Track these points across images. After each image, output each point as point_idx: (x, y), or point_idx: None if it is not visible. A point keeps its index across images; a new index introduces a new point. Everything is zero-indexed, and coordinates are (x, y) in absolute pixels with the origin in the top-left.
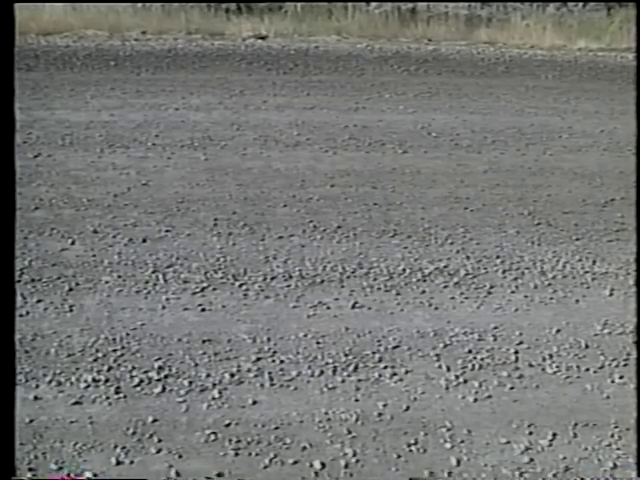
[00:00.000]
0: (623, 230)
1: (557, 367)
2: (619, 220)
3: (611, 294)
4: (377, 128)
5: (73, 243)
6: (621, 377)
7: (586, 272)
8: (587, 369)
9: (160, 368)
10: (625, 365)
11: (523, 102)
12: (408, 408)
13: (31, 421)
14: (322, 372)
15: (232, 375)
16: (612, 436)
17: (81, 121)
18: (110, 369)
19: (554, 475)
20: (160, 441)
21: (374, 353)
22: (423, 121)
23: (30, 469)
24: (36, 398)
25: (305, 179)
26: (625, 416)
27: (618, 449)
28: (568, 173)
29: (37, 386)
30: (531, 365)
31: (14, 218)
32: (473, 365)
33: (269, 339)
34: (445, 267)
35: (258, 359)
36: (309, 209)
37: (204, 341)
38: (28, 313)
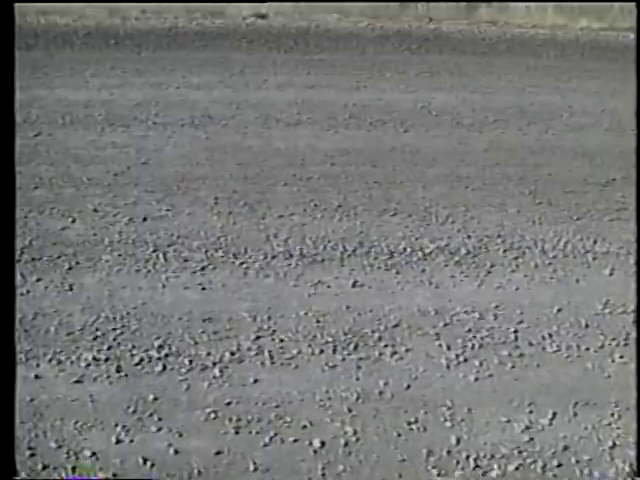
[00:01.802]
0: (624, 209)
1: (557, 346)
2: (620, 199)
3: (612, 273)
4: (378, 107)
5: (73, 222)
6: (621, 356)
7: (587, 251)
8: (587, 348)
9: (160, 347)
10: (625, 345)
11: (524, 81)
12: (409, 387)
13: (32, 400)
14: (322, 350)
15: (232, 354)
16: (612, 415)
17: (81, 100)
18: (110, 348)
19: (553, 454)
20: (160, 419)
21: (374, 332)
22: (424, 100)
23: (30, 447)
24: (37, 377)
25: (305, 158)
26: (625, 395)
27: (618, 428)
28: (569, 152)
29: (37, 365)
30: (531, 344)
31: (14, 197)
32: (473, 344)
33: (269, 317)
34: (446, 246)
35: (258, 337)
36: (309, 188)
37: (204, 320)
38: (28, 292)
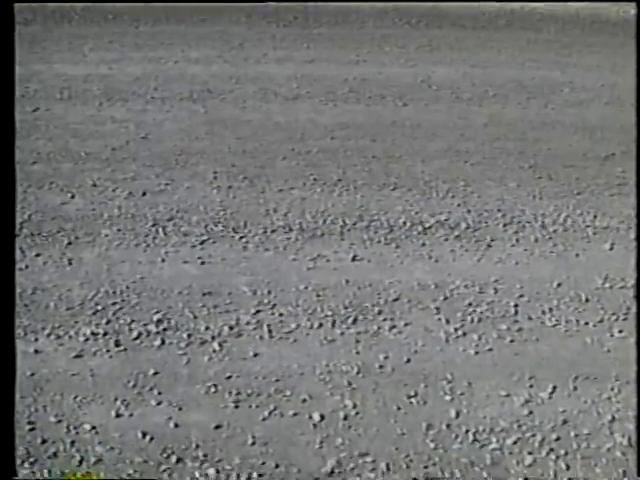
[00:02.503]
0: (624, 184)
1: (557, 320)
2: (620, 174)
3: (612, 248)
4: (377, 81)
5: (72, 197)
6: (621, 331)
7: (587, 226)
8: (587, 323)
9: (160, 321)
10: (625, 319)
11: (524, 55)
12: (408, 360)
13: (31, 374)
14: (322, 324)
15: (232, 328)
16: (612, 389)
17: (79, 74)
18: (109, 322)
19: (552, 427)
20: (160, 393)
21: (374, 305)
22: (423, 74)
23: (30, 422)
24: (36, 351)
25: (305, 132)
26: (625, 370)
27: (618, 402)
28: (569, 127)
29: (37, 339)
30: (531, 318)
31: (14, 173)
32: (473, 318)
33: (269, 291)
34: (446, 220)
35: (258, 311)
36: (309, 162)
37: (204, 294)
38: (27, 267)
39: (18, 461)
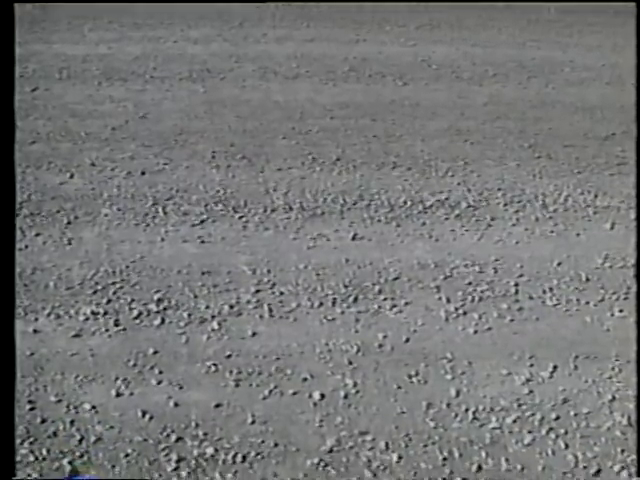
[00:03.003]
0: (624, 164)
1: (557, 300)
2: (620, 154)
3: (612, 227)
4: (377, 60)
5: (71, 176)
6: (621, 310)
7: (587, 205)
8: (587, 302)
9: (159, 300)
10: (625, 298)
11: (525, 35)
12: (408, 339)
13: (31, 354)
14: (322, 303)
15: (231, 307)
16: (612, 369)
17: (78, 54)
18: (109, 301)
19: (552, 406)
20: (160, 372)
21: (374, 284)
22: (424, 53)
23: (30, 401)
24: (36, 331)
25: (304, 111)
26: (625, 349)
27: (618, 382)
28: (569, 106)
29: (36, 319)
30: (531, 297)
31: (13, 152)
32: (473, 297)
33: (269, 271)
34: (446, 199)
35: (257, 291)
36: (308, 141)
37: (203, 273)
38: (27, 247)
39: (18, 440)
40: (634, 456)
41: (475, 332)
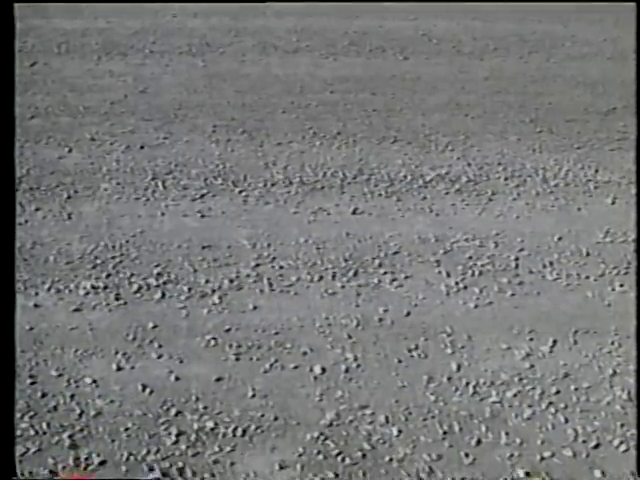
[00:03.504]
0: (625, 139)
1: (558, 274)
2: (621, 129)
3: (613, 202)
4: (378, 34)
5: (70, 151)
6: (622, 285)
7: (588, 180)
8: (588, 276)
9: (159, 274)
10: (626, 273)
11: (526, 8)
12: (409, 313)
13: (31, 328)
14: (322, 277)
15: (232, 281)
16: (612, 343)
17: (77, 28)
18: (109, 276)
19: (553, 381)
20: (161, 346)
21: (374, 259)
22: (424, 27)
23: (30, 376)
24: (36, 306)
25: (304, 85)
26: (625, 324)
27: (618, 356)
28: (570, 81)
29: (36, 294)
30: (532, 272)
31: (13, 127)
32: (474, 271)
33: (269, 245)
34: (446, 174)
35: (258, 265)
36: (308, 115)
37: (203, 247)
38: (27, 221)
39: (18, 415)
40: (634, 430)
41: (475, 306)
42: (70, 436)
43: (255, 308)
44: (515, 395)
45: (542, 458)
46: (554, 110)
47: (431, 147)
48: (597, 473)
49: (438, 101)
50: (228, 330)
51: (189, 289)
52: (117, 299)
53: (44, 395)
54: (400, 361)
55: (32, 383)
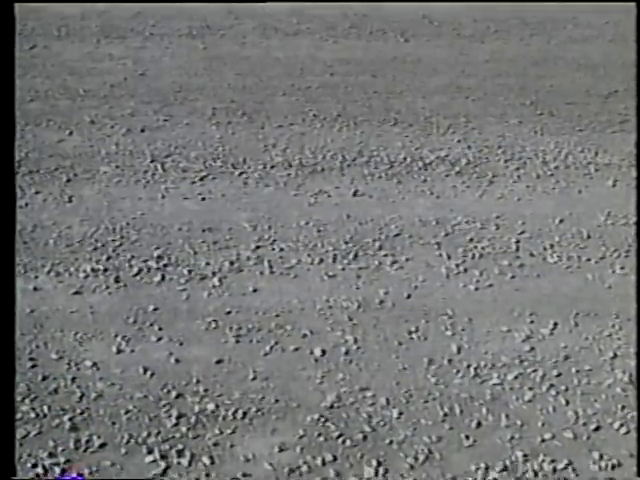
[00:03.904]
0: (626, 121)
1: (559, 257)
2: (622, 111)
3: (614, 185)
4: (378, 16)
5: (70, 134)
6: (622, 267)
7: (589, 163)
8: (589, 259)
9: (160, 257)
10: (627, 256)
11: None
12: (409, 296)
13: (31, 311)
14: (322, 260)
15: (232, 263)
16: (613, 326)
17: (76, 11)
18: (109, 259)
19: (554, 363)
20: (161, 329)
21: (375, 241)
22: (425, 9)
23: (31, 359)
24: (36, 289)
25: (305, 67)
26: (626, 306)
27: (619, 339)
28: (572, 63)
29: (36, 277)
30: (532, 254)
31: (13, 111)
32: (474, 254)
33: (269, 227)
34: (446, 156)
35: (258, 247)
36: (309, 97)
37: (204, 230)
38: (27, 204)
39: (18, 398)
40: (634, 413)
41: (476, 289)
42: (71, 419)
43: (255, 290)
44: (516, 377)
45: (542, 440)
46: (555, 93)
47: (431, 129)
48: (596, 455)
49: (439, 83)
50: (228, 313)
51: (189, 272)
52: (117, 282)
53: (44, 378)
54: (400, 343)
55: (32, 366)
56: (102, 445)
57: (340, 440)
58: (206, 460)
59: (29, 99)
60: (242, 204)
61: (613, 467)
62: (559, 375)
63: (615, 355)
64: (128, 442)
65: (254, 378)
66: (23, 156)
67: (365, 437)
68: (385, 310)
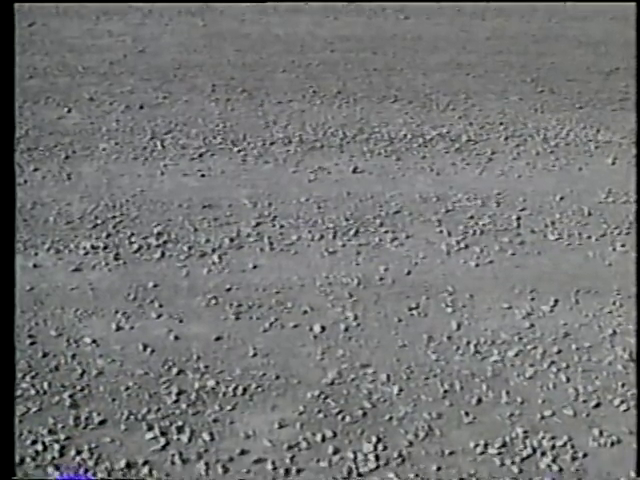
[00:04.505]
0: (627, 99)
1: (559, 234)
2: (623, 89)
3: (614, 163)
4: None
5: (69, 111)
6: (623, 245)
7: (589, 140)
8: (589, 236)
9: (159, 234)
10: (628, 233)
11: None
12: (409, 272)
13: (31, 289)
14: (323, 236)
15: (232, 240)
16: (613, 303)
17: None
18: (109, 236)
19: (553, 340)
20: (160, 306)
21: (375, 218)
22: None
23: (30, 336)
24: (35, 266)
25: (305, 44)
26: (627, 283)
27: (619, 316)
28: (573, 41)
29: (36, 254)
30: (533, 231)
31: (13, 87)
32: (475, 230)
33: (269, 204)
34: (447, 133)
35: (258, 224)
36: (309, 74)
37: (204, 206)
38: (26, 182)
39: (19, 375)
40: (634, 390)
41: (476, 265)
42: (71, 396)
43: (255, 267)
44: (516, 354)
45: (542, 417)
46: (556, 70)
47: (432, 106)
48: (596, 432)
49: (439, 60)
50: (228, 289)
51: (189, 248)
52: (117, 259)
53: (44, 355)
54: (401, 320)
55: (32, 343)
56: (102, 422)
57: (340, 416)
58: (206, 436)
59: (28, 76)
60: (242, 181)
61: (612, 444)
62: (559, 352)
63: (615, 332)
64: (128, 419)
65: (254, 355)
66: (22, 133)
67: (365, 413)
68: (385, 287)
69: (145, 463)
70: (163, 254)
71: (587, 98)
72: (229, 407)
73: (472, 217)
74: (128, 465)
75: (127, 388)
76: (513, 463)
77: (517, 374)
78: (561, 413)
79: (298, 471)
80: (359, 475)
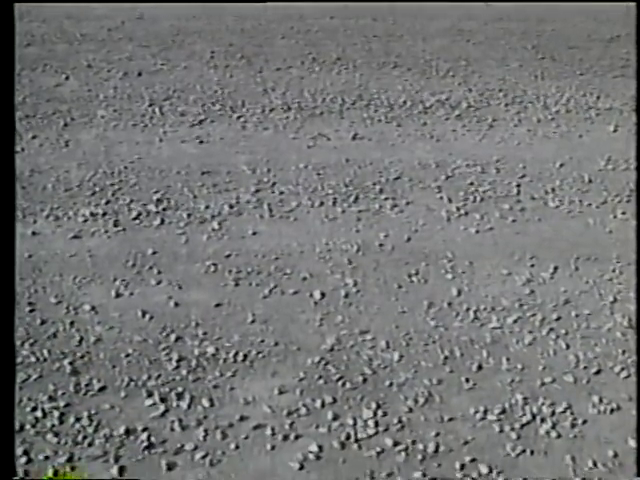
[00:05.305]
0: (628, 66)
1: (560, 201)
2: (624, 56)
3: (615, 130)
4: None
5: (67, 78)
6: (624, 212)
7: (590, 107)
8: (590, 204)
9: (159, 200)
10: (628, 201)
11: None
12: (409, 239)
13: (30, 256)
14: (322, 203)
15: (231, 206)
16: (613, 271)
17: None
18: (108, 202)
19: (553, 307)
20: (160, 273)
21: (375, 184)
22: None
23: (29, 303)
24: (34, 233)
25: (304, 11)
26: (626, 251)
27: (619, 283)
28: (573, 8)
29: (35, 221)
30: (533, 198)
31: (13, 56)
32: (475, 197)
33: (269, 170)
34: (447, 99)
35: (257, 190)
36: (308, 41)
37: (203, 173)
38: (24, 149)
39: (18, 342)
40: (634, 357)
41: (476, 232)
42: (71, 363)
43: (255, 234)
44: (516, 321)
45: (542, 383)
46: (556, 37)
47: (432, 73)
48: (596, 399)
49: (439, 27)
50: (228, 256)
51: (188, 215)
52: (116, 226)
53: (43, 322)
54: (400, 286)
55: (31, 310)
56: (102, 388)
57: (340, 383)
58: (205, 403)
59: (26, 43)
60: (241, 147)
61: (612, 411)
62: (559, 319)
63: (615, 299)
64: (128, 385)
65: (253, 321)
66: (20, 101)
67: (365, 380)
68: (385, 253)
69: (144, 429)
70: (162, 221)
71: (588, 65)
72: (229, 373)
73: (472, 184)
74: (127, 432)
75: (127, 355)
76: (512, 429)
77: (517, 340)
78: (561, 380)
79: (297, 437)
80: (357, 441)
